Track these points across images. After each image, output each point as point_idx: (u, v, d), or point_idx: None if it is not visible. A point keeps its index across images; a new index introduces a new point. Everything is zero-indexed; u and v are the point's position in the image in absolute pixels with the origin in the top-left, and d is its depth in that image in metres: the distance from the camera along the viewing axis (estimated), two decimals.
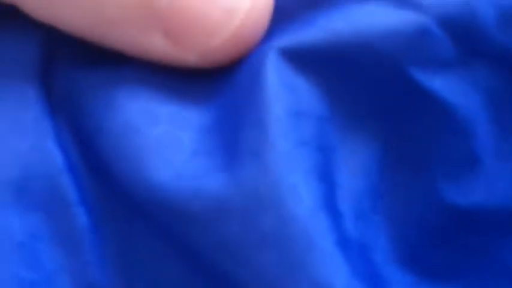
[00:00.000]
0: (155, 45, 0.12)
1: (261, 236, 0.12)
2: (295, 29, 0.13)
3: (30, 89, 0.13)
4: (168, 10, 0.12)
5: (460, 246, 0.13)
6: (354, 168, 0.13)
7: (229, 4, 0.12)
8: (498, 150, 0.13)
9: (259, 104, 0.12)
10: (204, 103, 0.13)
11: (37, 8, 0.12)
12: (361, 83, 0.13)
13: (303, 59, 0.13)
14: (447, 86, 0.13)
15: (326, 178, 0.13)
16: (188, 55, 0.12)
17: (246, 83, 0.12)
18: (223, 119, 0.13)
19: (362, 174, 0.13)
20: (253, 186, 0.12)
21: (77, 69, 0.13)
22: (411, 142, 0.13)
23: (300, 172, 0.12)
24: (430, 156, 0.13)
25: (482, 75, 0.13)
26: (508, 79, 0.13)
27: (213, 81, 0.13)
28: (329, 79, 0.13)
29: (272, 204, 0.12)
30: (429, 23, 0.13)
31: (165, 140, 0.12)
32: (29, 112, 0.13)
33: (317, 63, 0.13)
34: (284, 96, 0.12)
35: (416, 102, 0.13)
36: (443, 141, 0.13)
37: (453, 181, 0.13)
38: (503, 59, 0.13)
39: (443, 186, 0.13)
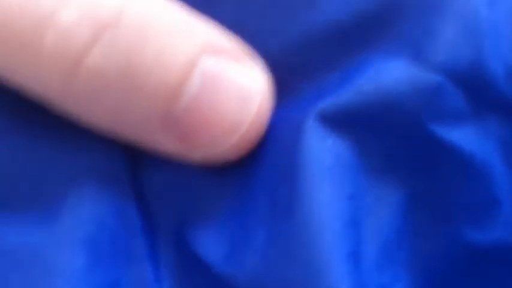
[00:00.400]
0: (167, 143, 0.14)
1: (287, 280, 0.13)
2: (326, 92, 0.14)
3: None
4: (183, 116, 0.13)
5: (480, 279, 0.14)
6: (380, 212, 0.14)
7: (236, 117, 0.13)
8: None
9: (296, 163, 0.14)
10: (246, 170, 0.15)
11: (62, 106, 0.14)
12: (387, 138, 0.14)
13: (336, 119, 0.14)
14: (464, 137, 0.14)
15: (353, 223, 0.14)
16: (195, 155, 0.14)
17: (284, 149, 0.14)
18: (265, 182, 0.14)
19: (388, 217, 0.14)
20: (286, 241, 0.13)
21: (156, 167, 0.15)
22: (434, 189, 0.14)
23: (331, 219, 0.13)
24: (452, 201, 0.14)
25: (494, 125, 0.14)
26: None
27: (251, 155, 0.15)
28: (358, 135, 0.14)
29: (301, 249, 0.13)
30: (443, 79, 0.14)
31: None
32: (113, 182, 0.14)
33: (347, 121, 0.14)
34: (321, 154, 0.14)
35: (437, 153, 0.14)
36: (464, 187, 0.14)
37: (474, 222, 0.14)
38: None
39: (465, 227, 0.14)
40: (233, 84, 0.13)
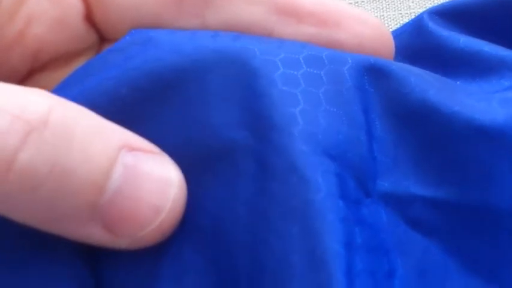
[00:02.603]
0: (94, 234, 0.15)
1: None
2: None
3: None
4: (108, 207, 0.14)
5: None
6: None
7: (156, 203, 0.15)
8: None
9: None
10: None
11: None
12: None
13: None
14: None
15: None
16: (120, 242, 0.15)
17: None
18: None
19: None
20: None
21: (121, 263, 0.15)
22: None
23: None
24: None
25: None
26: None
27: None
28: None
29: None
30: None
31: None
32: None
33: None
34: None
35: None
36: None
37: None
38: None
39: None
40: (151, 174, 0.15)
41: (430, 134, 0.15)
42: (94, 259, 0.16)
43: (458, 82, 0.19)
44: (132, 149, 0.15)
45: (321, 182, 0.14)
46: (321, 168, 0.14)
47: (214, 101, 0.15)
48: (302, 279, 0.13)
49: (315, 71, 0.16)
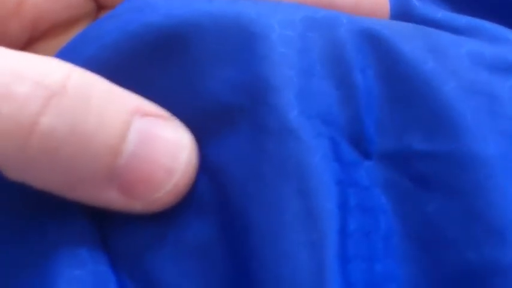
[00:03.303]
0: (111, 197, 0.15)
1: None
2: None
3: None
4: (124, 170, 0.15)
5: None
6: None
7: (169, 166, 0.15)
8: None
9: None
10: None
11: (17, 172, 0.15)
12: None
13: None
14: None
15: None
16: (136, 205, 0.15)
17: None
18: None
19: None
20: None
21: (127, 226, 0.16)
22: None
23: None
24: None
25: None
26: None
27: None
28: None
29: None
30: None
31: None
32: (85, 245, 0.15)
33: None
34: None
35: None
36: None
37: None
38: None
39: None
40: (164, 138, 0.15)
41: (425, 93, 0.15)
42: (99, 224, 0.16)
43: None
44: (145, 113, 0.15)
45: (315, 145, 0.14)
46: (315, 130, 0.14)
47: (211, 63, 0.16)
48: (295, 238, 0.13)
49: (311, 33, 0.16)
